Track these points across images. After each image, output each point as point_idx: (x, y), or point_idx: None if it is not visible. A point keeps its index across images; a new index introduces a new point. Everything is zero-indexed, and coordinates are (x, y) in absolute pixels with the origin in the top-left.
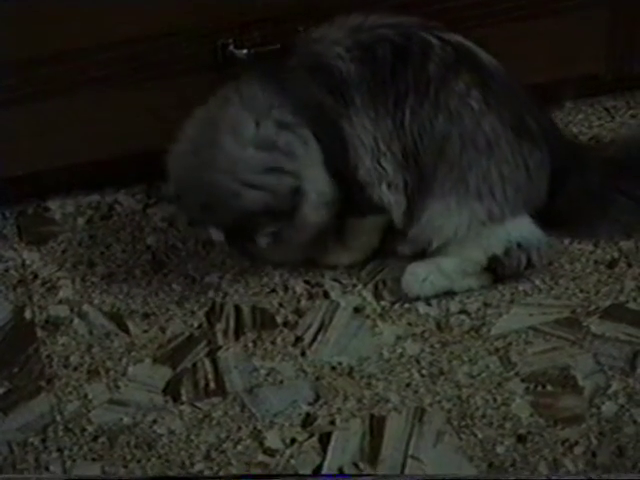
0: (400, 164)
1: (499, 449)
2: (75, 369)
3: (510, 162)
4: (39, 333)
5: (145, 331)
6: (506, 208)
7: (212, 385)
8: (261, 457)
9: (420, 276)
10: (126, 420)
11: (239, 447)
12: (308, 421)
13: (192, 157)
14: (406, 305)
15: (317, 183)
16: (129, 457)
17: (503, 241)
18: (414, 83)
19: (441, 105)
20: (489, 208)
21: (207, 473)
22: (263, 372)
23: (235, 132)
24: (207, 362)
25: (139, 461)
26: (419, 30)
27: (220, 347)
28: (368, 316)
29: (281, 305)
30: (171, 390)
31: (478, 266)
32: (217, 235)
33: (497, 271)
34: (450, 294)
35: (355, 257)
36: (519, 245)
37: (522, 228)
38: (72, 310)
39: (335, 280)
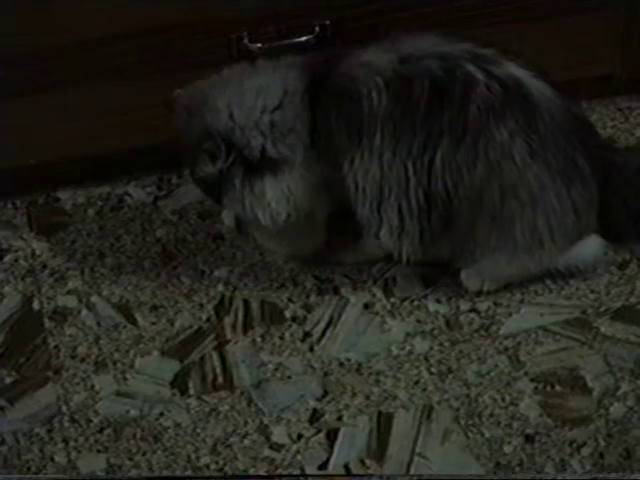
0: (413, 212)
1: (506, 448)
2: (82, 360)
3: (557, 210)
4: (47, 323)
5: (153, 323)
6: (557, 253)
7: (220, 379)
8: (267, 452)
9: (480, 278)
10: (133, 412)
11: (245, 441)
12: (315, 417)
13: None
14: (416, 302)
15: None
16: (135, 449)
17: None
18: (450, 126)
19: (480, 153)
20: (540, 258)
21: (213, 467)
22: (271, 367)
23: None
24: (215, 356)
25: (145, 454)
26: (467, 62)
27: (228, 341)
28: (377, 313)
29: (290, 300)
30: (178, 383)
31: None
32: (229, 220)
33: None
34: (461, 293)
35: (359, 259)
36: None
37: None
38: (80, 301)
39: (345, 276)
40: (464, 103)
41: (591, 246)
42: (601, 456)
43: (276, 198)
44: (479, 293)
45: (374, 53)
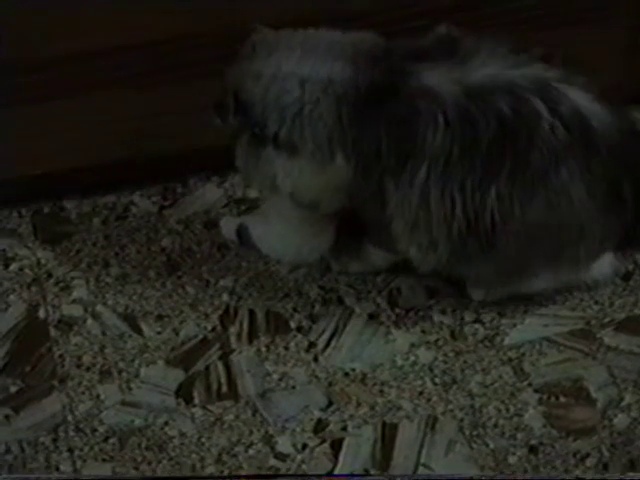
0: (451, 238)
1: (511, 459)
2: (88, 369)
3: (597, 240)
4: (52, 332)
5: (158, 333)
6: (593, 269)
7: (224, 388)
8: (272, 462)
9: (485, 287)
10: (138, 422)
11: (250, 451)
12: (320, 427)
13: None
14: (420, 313)
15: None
16: (140, 459)
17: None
18: (509, 167)
19: (538, 193)
20: (579, 276)
21: (218, 477)
22: (276, 377)
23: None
24: (220, 365)
25: (150, 463)
26: (535, 96)
27: (233, 351)
28: (382, 323)
29: (295, 310)
30: (183, 393)
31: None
32: (228, 231)
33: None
34: (465, 304)
35: (363, 269)
36: None
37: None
38: (86, 310)
39: (350, 286)
40: (527, 147)
41: (605, 265)
42: (605, 467)
43: (282, 175)
44: (483, 303)
45: (440, 77)
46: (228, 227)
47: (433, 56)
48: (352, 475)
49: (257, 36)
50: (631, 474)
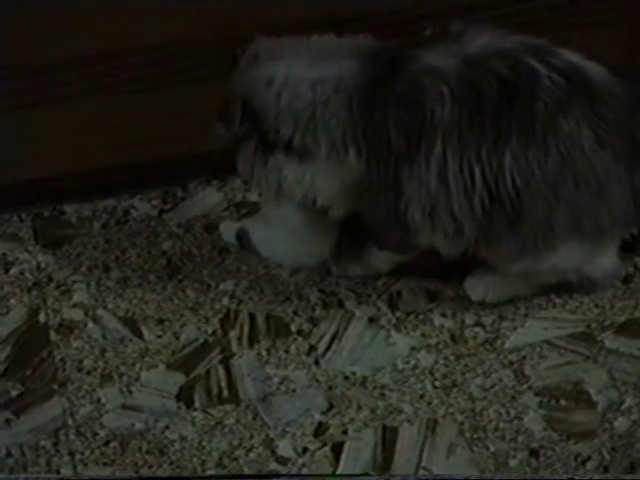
0: (475, 215)
1: (511, 463)
2: (88, 373)
3: (619, 198)
4: (53, 336)
5: (159, 337)
6: (611, 244)
7: (225, 392)
8: (273, 465)
9: (483, 288)
10: (138, 425)
11: (251, 455)
12: (320, 430)
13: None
14: (421, 316)
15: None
16: (141, 462)
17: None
18: (518, 124)
19: (550, 147)
20: (599, 247)
21: None
22: (276, 380)
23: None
24: (220, 369)
25: (151, 467)
26: (528, 56)
27: (234, 354)
28: (383, 326)
29: (296, 313)
30: (184, 396)
31: (546, 284)
32: (227, 235)
33: (561, 287)
34: (466, 307)
35: (364, 272)
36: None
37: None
38: (86, 314)
39: (350, 290)
40: (531, 100)
41: (608, 261)
42: (606, 470)
43: (293, 181)
44: (484, 306)
45: (438, 55)
46: (228, 231)
47: (428, 44)
48: (353, 475)
49: (259, 45)
50: (630, 476)
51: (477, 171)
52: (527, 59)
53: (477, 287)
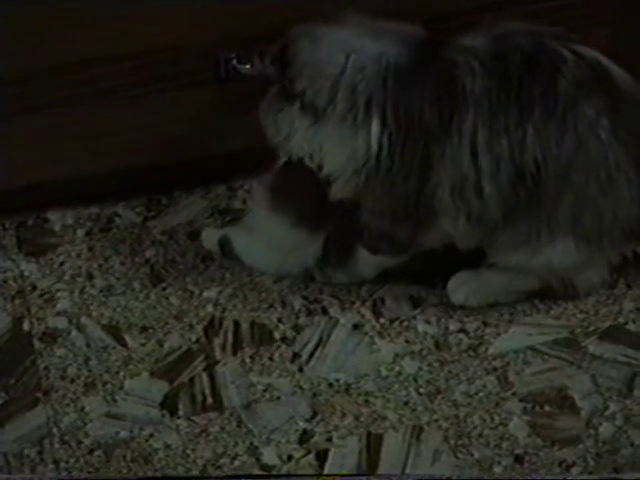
0: (501, 192)
1: (496, 469)
2: (72, 381)
3: (626, 200)
4: (37, 345)
5: (143, 345)
6: (605, 257)
7: (209, 400)
8: (258, 473)
9: (464, 291)
10: (123, 434)
11: (236, 462)
12: (305, 438)
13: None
14: (405, 323)
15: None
16: (125, 471)
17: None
18: (541, 97)
19: (569, 127)
20: (594, 251)
21: None
22: (260, 388)
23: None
24: (204, 377)
25: (135, 475)
26: (555, 41)
27: (218, 362)
28: (366, 333)
29: (279, 321)
30: (168, 404)
31: (528, 289)
32: (209, 242)
33: (544, 293)
34: (450, 313)
35: (349, 279)
36: None
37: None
38: (70, 322)
39: (334, 296)
40: (554, 76)
41: (596, 275)
42: (590, 475)
43: (302, 138)
44: (467, 311)
45: (472, 38)
46: (210, 239)
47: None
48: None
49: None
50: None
51: (505, 142)
52: (553, 42)
53: (459, 291)
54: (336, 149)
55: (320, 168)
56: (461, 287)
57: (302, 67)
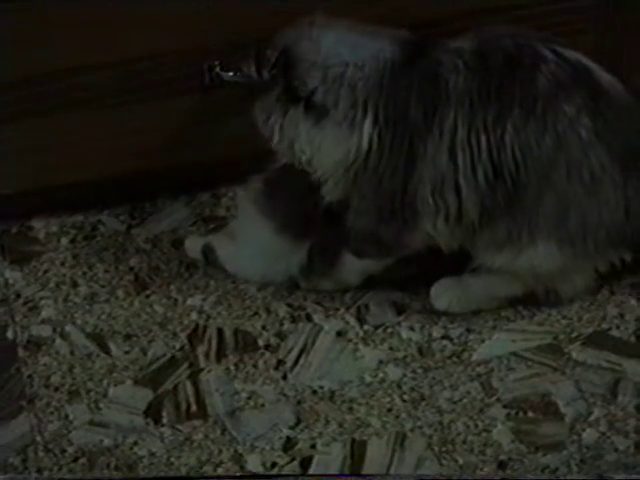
0: (478, 191)
1: (480, 475)
2: (56, 389)
3: (611, 203)
4: (21, 353)
5: (127, 352)
6: (594, 256)
7: (193, 407)
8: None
9: (448, 298)
10: (107, 442)
11: (219, 470)
12: (289, 445)
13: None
14: (388, 330)
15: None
16: (109, 479)
17: None
18: (520, 97)
19: (548, 125)
20: (578, 255)
21: None
22: (244, 395)
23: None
24: (188, 384)
25: None
26: (539, 44)
27: (202, 369)
28: (350, 340)
29: (264, 328)
30: (152, 412)
31: (511, 295)
32: (192, 250)
33: (527, 300)
34: (433, 320)
35: (333, 286)
36: None
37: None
38: (54, 330)
39: (318, 303)
40: (534, 75)
41: (582, 283)
42: None
43: (305, 139)
44: (450, 318)
45: (460, 41)
46: (193, 247)
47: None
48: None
49: (317, 16)
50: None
51: (483, 140)
52: (536, 43)
53: (442, 297)
54: (333, 148)
55: (315, 170)
56: (444, 293)
57: (309, 67)
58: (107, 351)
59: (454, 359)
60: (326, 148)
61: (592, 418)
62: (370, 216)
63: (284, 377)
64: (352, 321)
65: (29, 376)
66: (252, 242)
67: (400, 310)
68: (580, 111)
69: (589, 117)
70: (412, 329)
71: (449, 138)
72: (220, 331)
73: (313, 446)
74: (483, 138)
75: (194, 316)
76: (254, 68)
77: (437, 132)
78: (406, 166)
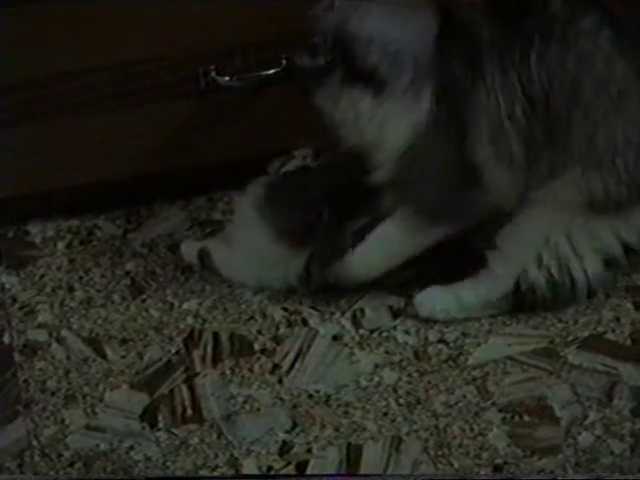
0: (523, 128)
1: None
2: (52, 394)
3: (637, 120)
4: (17, 357)
5: (123, 357)
6: (626, 192)
7: (189, 412)
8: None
9: (436, 306)
10: (103, 446)
11: (215, 474)
12: (285, 449)
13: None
14: (384, 334)
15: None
16: None
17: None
18: (538, 25)
19: (569, 44)
20: (607, 185)
21: None
22: (240, 399)
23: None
24: (184, 389)
25: None
26: None
27: (197, 374)
28: (346, 344)
29: (259, 332)
30: (148, 416)
31: (503, 301)
32: (188, 254)
33: (523, 305)
34: (429, 324)
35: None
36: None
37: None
38: (50, 335)
39: (314, 308)
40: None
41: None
42: None
43: (368, 118)
44: (446, 322)
45: None
46: (189, 251)
47: None
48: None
49: None
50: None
51: (515, 78)
52: None
53: (426, 303)
54: (398, 122)
55: (377, 150)
56: (433, 305)
57: (367, 44)
58: (103, 355)
59: (450, 363)
60: (391, 123)
61: (588, 422)
62: (434, 187)
63: (280, 381)
64: (348, 325)
65: (25, 381)
66: (249, 247)
67: (396, 314)
68: (600, 25)
69: (609, 30)
70: (408, 333)
71: (491, 88)
72: (216, 335)
73: (309, 450)
74: (515, 76)
75: (190, 320)
76: (307, 57)
77: (481, 86)
78: (460, 129)
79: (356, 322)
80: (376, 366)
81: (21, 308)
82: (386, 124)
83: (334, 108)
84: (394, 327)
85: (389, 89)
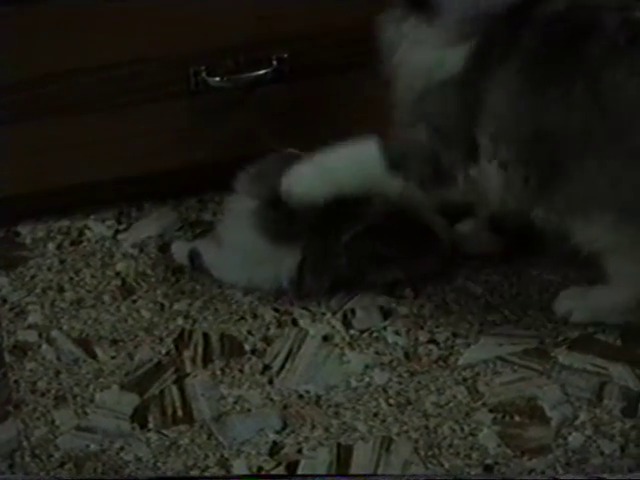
0: (525, 151)
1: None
2: (43, 395)
3: None
4: (7, 358)
5: (113, 357)
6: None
7: (179, 412)
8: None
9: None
10: (93, 447)
11: (206, 474)
12: (275, 450)
13: None
14: (374, 334)
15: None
16: None
17: None
18: (569, 62)
19: (594, 90)
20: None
21: None
22: (231, 400)
23: None
24: (175, 389)
25: None
26: (607, 9)
27: (188, 374)
28: (337, 344)
29: (250, 333)
30: (138, 417)
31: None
32: (179, 254)
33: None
34: (419, 324)
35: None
36: None
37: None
38: (40, 335)
39: (304, 308)
40: (584, 42)
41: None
42: None
43: (412, 40)
44: (434, 319)
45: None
46: (180, 251)
47: None
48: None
49: None
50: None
51: (527, 103)
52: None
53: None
54: (435, 52)
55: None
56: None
57: None
58: (93, 356)
59: (440, 363)
60: (428, 50)
61: (578, 422)
62: (435, 136)
63: (270, 382)
64: (338, 326)
65: (15, 381)
66: (239, 248)
67: (386, 314)
68: (633, 74)
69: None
70: (398, 333)
71: (511, 90)
72: (206, 336)
73: (299, 451)
74: (527, 101)
75: (180, 321)
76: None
77: (504, 79)
78: (477, 102)
79: (346, 322)
80: (366, 366)
81: (11, 309)
82: (423, 49)
83: (396, 36)
84: (384, 327)
85: (440, 17)
